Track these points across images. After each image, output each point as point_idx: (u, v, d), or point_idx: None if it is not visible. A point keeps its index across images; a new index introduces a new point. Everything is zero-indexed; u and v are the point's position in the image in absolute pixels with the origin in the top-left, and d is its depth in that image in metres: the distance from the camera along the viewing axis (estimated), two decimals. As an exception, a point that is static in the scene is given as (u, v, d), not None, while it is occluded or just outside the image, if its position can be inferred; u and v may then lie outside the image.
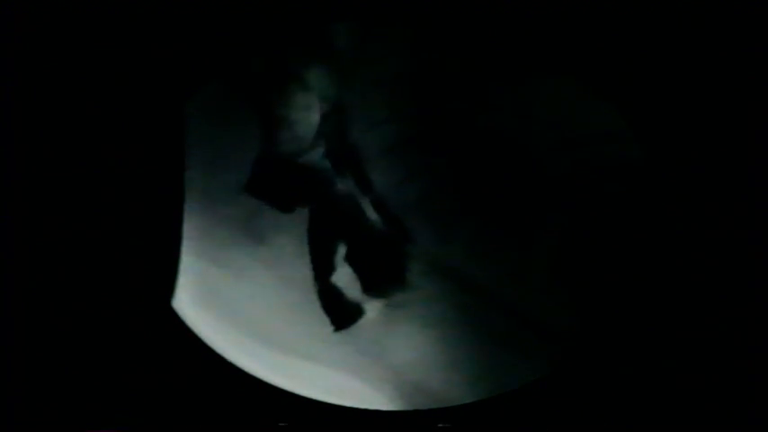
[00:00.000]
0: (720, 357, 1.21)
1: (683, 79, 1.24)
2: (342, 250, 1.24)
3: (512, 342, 1.21)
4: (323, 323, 1.23)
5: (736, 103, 1.24)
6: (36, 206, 1.24)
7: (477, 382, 1.21)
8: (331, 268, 1.24)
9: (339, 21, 1.26)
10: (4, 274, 1.23)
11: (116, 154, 1.25)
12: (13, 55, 1.25)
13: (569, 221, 1.23)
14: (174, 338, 1.22)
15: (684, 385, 1.20)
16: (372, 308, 1.23)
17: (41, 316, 1.23)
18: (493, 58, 1.25)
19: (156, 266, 1.24)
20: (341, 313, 1.23)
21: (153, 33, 1.26)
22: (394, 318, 1.23)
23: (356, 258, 1.24)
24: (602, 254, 1.22)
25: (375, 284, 1.23)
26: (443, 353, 1.22)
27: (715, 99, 1.24)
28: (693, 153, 1.23)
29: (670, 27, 1.25)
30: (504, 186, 1.24)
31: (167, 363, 1.22)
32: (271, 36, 1.26)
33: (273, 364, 1.22)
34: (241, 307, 1.24)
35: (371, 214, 1.24)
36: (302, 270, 1.24)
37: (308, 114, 1.26)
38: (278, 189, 1.25)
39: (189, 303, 1.23)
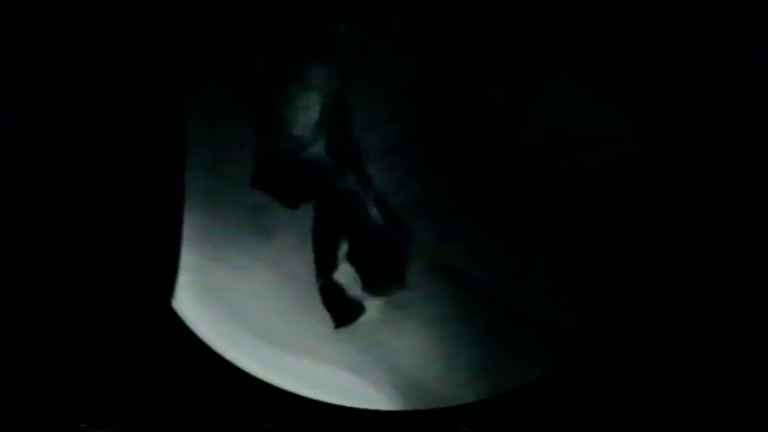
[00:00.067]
0: (721, 357, 1.21)
1: (682, 80, 1.24)
2: (343, 248, 1.24)
3: (512, 341, 1.21)
4: (323, 321, 1.23)
5: (736, 103, 1.24)
6: (36, 206, 1.24)
7: (478, 382, 1.21)
8: (333, 266, 1.24)
9: (340, 21, 1.26)
10: (4, 274, 1.23)
11: (116, 154, 1.25)
12: (14, 56, 1.25)
13: (569, 221, 1.23)
14: (174, 338, 1.22)
15: (684, 385, 1.20)
16: (373, 306, 1.23)
17: (41, 316, 1.23)
18: (493, 58, 1.25)
19: (156, 266, 1.24)
20: (341, 310, 1.23)
21: (153, 34, 1.26)
22: (394, 317, 1.23)
23: (357, 256, 1.24)
24: (602, 253, 1.22)
25: (375, 282, 1.23)
26: (443, 352, 1.22)
27: (715, 99, 1.24)
28: (693, 153, 1.23)
29: (670, 27, 1.25)
30: (504, 186, 1.24)
31: (167, 363, 1.22)
32: (271, 36, 1.26)
33: (272, 362, 1.22)
34: (241, 305, 1.24)
35: (372, 213, 1.24)
36: (302, 268, 1.24)
37: (308, 114, 1.26)
38: (280, 185, 1.25)
39: (189, 303, 1.23)
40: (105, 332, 1.23)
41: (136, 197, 1.24)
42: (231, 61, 1.27)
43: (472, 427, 1.20)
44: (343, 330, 1.23)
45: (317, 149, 1.26)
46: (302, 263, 1.24)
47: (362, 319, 1.23)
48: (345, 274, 1.24)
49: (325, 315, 1.23)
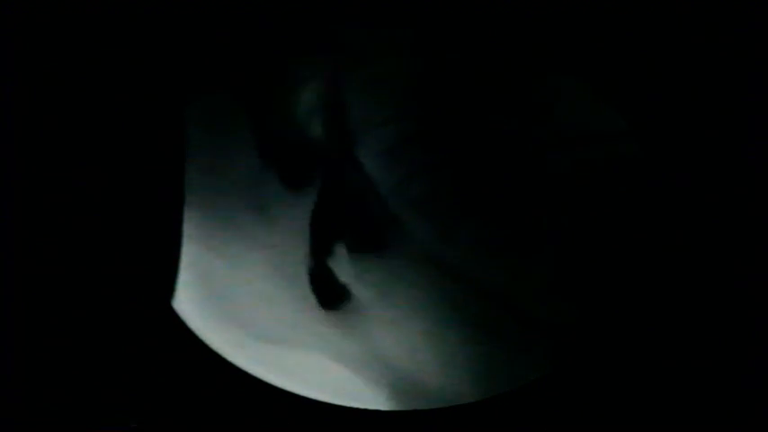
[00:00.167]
0: (721, 357, 1.20)
1: (682, 79, 1.24)
2: (341, 244, 1.24)
3: (511, 341, 1.21)
4: (323, 321, 1.23)
5: (736, 103, 1.24)
6: (36, 206, 1.24)
7: (478, 382, 1.21)
8: (328, 259, 1.24)
9: (340, 22, 1.27)
10: (4, 274, 1.23)
11: (116, 154, 1.25)
12: (16, 59, 1.26)
13: (569, 220, 1.23)
14: (174, 338, 1.22)
15: (684, 385, 1.20)
16: (372, 305, 1.23)
17: (42, 316, 1.23)
18: (493, 58, 1.26)
19: (156, 266, 1.24)
20: (329, 294, 1.23)
21: (153, 34, 1.26)
22: (393, 316, 1.23)
23: (353, 248, 1.24)
24: (603, 253, 1.22)
25: (368, 273, 1.23)
26: (443, 352, 1.21)
27: (714, 99, 1.24)
28: (693, 152, 1.23)
29: (670, 28, 1.25)
30: (504, 186, 1.24)
31: (167, 362, 1.22)
32: (271, 36, 1.27)
33: (273, 362, 1.22)
34: (241, 305, 1.24)
35: (373, 211, 1.24)
36: (302, 269, 1.24)
37: (308, 114, 1.26)
38: (280, 184, 1.25)
39: (188, 302, 1.23)
40: (105, 332, 1.23)
41: (136, 197, 1.24)
42: (231, 62, 1.27)
43: (472, 427, 1.20)
44: (344, 330, 1.23)
45: (317, 149, 1.26)
46: (302, 263, 1.24)
47: (362, 319, 1.23)
48: (338, 263, 1.23)
49: (326, 315, 1.23)
